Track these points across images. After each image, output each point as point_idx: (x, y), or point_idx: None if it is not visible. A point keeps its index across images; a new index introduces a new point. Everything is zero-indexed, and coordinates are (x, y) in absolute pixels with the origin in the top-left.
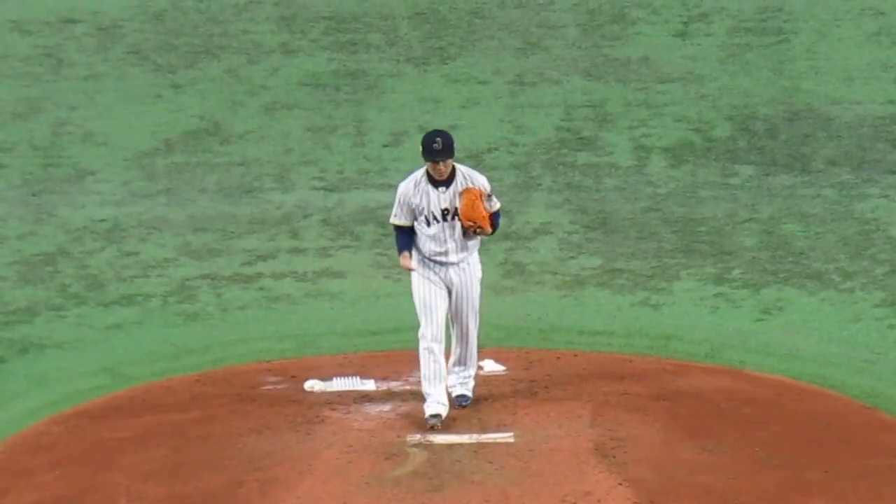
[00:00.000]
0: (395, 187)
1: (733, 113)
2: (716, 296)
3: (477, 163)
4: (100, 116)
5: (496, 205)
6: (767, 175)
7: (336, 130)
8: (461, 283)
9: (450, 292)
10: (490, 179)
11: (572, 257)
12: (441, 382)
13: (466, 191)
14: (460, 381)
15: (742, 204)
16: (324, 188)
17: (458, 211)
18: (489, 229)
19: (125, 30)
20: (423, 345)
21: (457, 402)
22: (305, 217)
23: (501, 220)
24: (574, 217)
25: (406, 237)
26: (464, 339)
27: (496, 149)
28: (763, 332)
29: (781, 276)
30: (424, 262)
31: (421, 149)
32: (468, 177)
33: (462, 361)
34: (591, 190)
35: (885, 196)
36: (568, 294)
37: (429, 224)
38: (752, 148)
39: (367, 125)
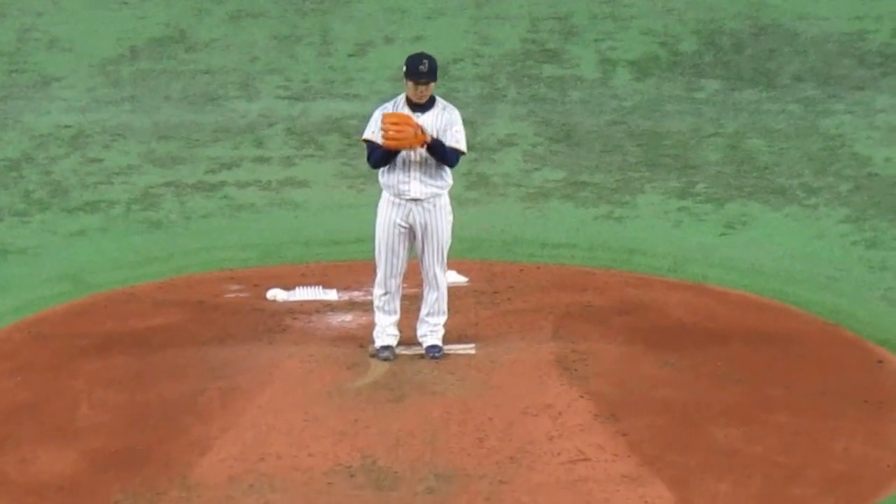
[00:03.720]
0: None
1: (699, 27)
2: (679, 210)
3: (441, 74)
4: (65, 22)
5: (458, 144)
6: (733, 90)
7: (301, 40)
8: (427, 225)
9: (415, 235)
10: (463, 117)
11: (536, 169)
12: (394, 315)
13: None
14: (431, 329)
15: (707, 118)
16: (289, 97)
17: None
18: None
19: None
20: (377, 291)
21: (428, 354)
22: (270, 126)
23: (457, 161)
24: (538, 129)
25: (379, 151)
26: (432, 286)
27: (461, 60)
28: (726, 246)
29: (746, 190)
30: (390, 202)
31: (404, 69)
32: (446, 107)
33: (433, 311)
34: (555, 102)
35: (851, 112)
36: (531, 206)
37: None
38: (718, 62)
39: (332, 35)
